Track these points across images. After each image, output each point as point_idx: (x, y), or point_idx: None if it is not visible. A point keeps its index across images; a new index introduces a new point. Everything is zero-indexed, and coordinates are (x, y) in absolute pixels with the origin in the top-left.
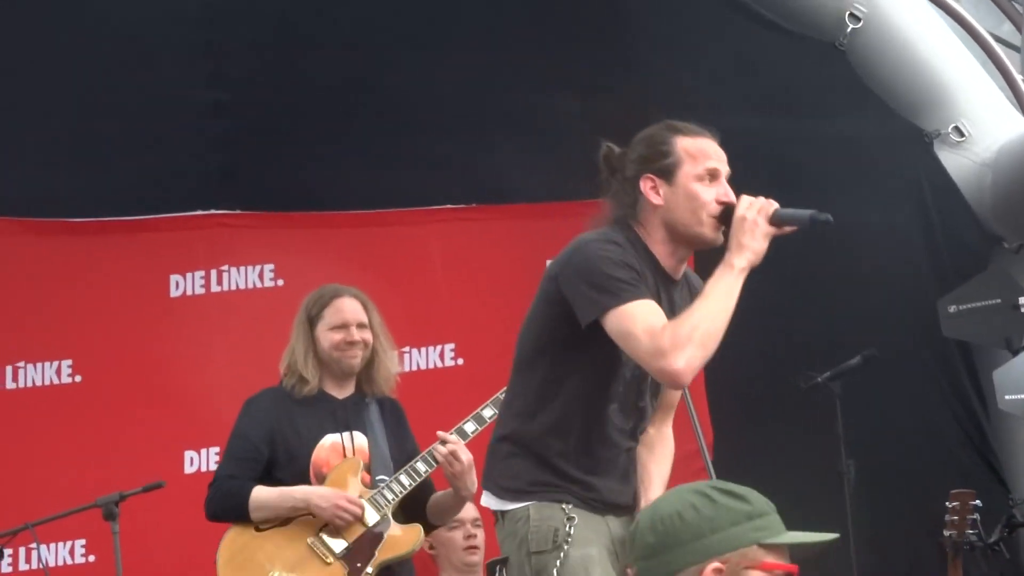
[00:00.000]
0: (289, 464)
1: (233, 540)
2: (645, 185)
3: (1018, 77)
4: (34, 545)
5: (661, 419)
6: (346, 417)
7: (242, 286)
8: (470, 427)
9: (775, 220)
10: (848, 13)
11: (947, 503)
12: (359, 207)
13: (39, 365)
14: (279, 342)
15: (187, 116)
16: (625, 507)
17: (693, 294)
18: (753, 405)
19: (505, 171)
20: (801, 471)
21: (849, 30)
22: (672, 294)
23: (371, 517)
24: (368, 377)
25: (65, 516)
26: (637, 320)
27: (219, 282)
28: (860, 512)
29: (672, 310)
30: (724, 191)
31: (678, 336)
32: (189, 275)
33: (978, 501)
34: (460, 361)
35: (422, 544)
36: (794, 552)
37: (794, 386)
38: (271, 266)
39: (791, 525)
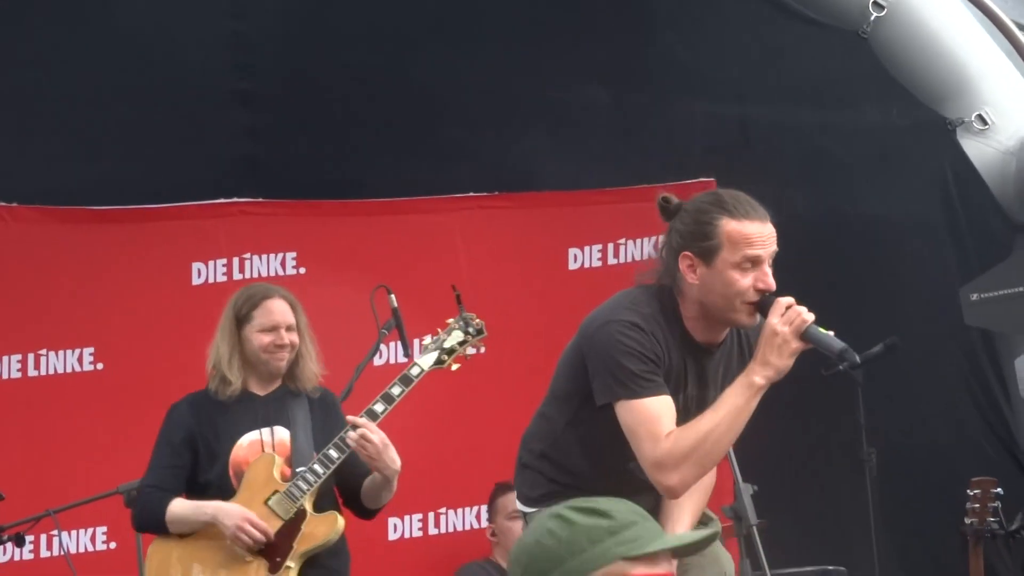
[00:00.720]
0: (211, 466)
1: (159, 546)
2: (683, 263)
3: None
4: (55, 532)
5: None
6: (268, 413)
7: (264, 274)
8: (379, 407)
9: (805, 337)
10: (872, 2)
11: (968, 491)
12: (382, 195)
13: (61, 353)
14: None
15: (211, 105)
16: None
17: (743, 351)
18: (774, 393)
19: (530, 159)
20: (823, 459)
21: (873, 19)
22: (704, 364)
23: (286, 510)
24: (292, 375)
25: (87, 503)
26: (643, 422)
27: (241, 270)
28: (881, 500)
29: (701, 379)
30: (763, 277)
31: (677, 452)
32: (211, 263)
33: (999, 489)
34: (482, 349)
35: (342, 531)
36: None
37: (817, 373)
38: (293, 254)
39: (815, 512)
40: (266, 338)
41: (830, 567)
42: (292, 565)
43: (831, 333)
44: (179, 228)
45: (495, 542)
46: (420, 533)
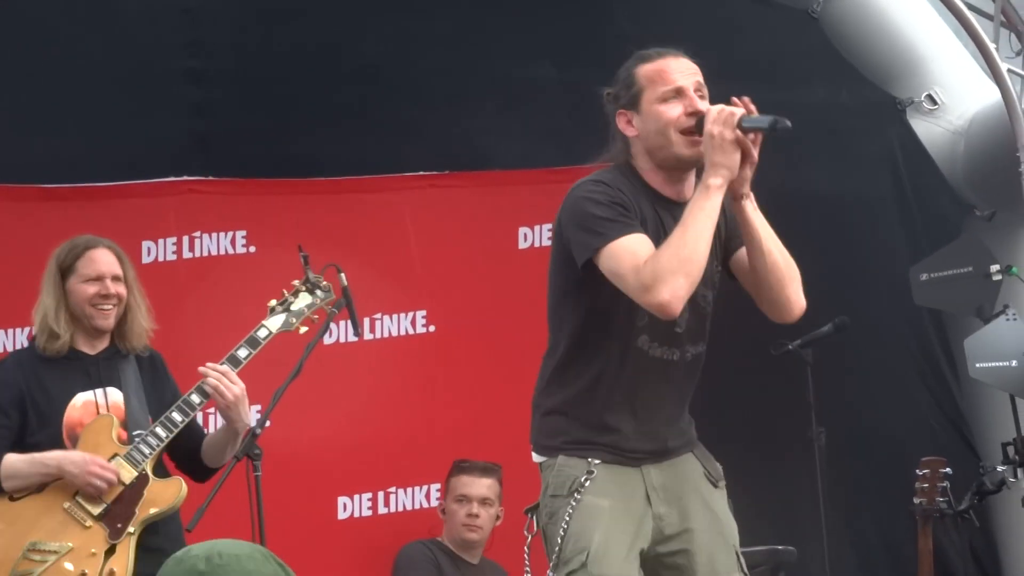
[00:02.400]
0: (41, 427)
1: None
2: (620, 121)
3: (991, 45)
4: None
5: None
6: (99, 373)
7: (214, 252)
8: (243, 352)
9: (739, 127)
10: None
11: (917, 471)
12: (332, 174)
13: (10, 332)
14: (251, 308)
15: (161, 83)
16: (668, 451)
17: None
18: (725, 372)
19: (480, 138)
20: (772, 438)
21: None
22: (677, 215)
23: (127, 475)
24: (121, 332)
25: None
26: (623, 258)
27: (191, 248)
28: (830, 479)
29: None
30: (691, 103)
31: (659, 268)
32: (161, 241)
33: (948, 469)
34: (432, 328)
35: (183, 498)
36: None
37: (766, 353)
38: (243, 233)
39: (764, 492)
40: (91, 289)
41: (779, 547)
42: (133, 531)
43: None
44: (128, 206)
45: (445, 520)
46: (370, 512)
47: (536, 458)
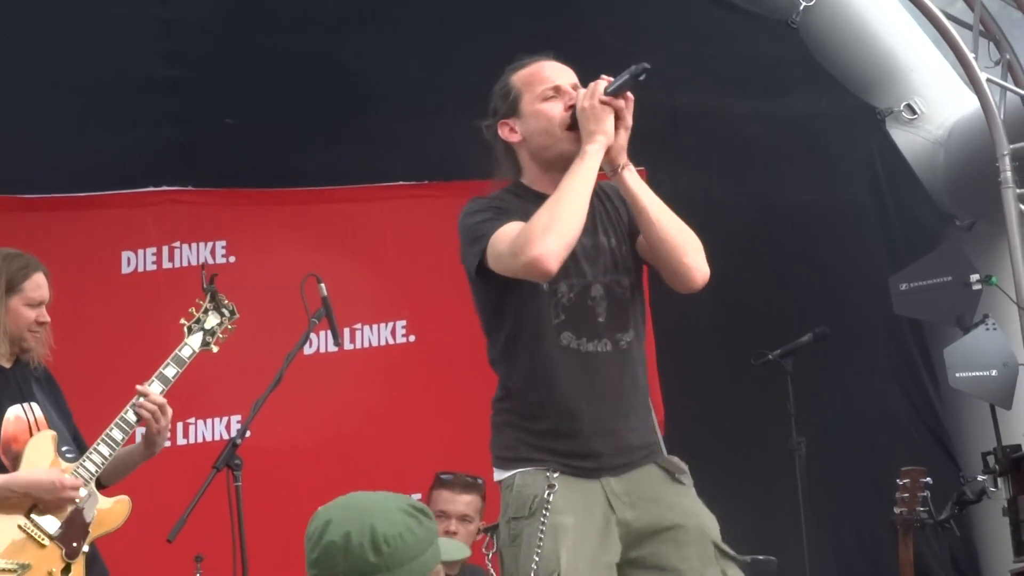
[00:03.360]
0: None
1: None
2: (503, 131)
3: (970, 55)
4: None
5: None
6: (19, 388)
7: (194, 262)
8: (171, 371)
9: (607, 93)
10: None
11: (898, 480)
12: (312, 184)
13: None
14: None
15: (141, 93)
16: (629, 450)
17: (610, 199)
18: (705, 382)
19: (459, 148)
20: (752, 448)
21: (802, 8)
22: None
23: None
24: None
25: None
26: (501, 242)
27: (171, 259)
28: (811, 489)
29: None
30: (569, 98)
31: (530, 229)
32: (141, 251)
33: (929, 479)
34: (412, 338)
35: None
36: None
37: (746, 363)
38: (223, 243)
39: (744, 501)
40: (31, 314)
41: (760, 557)
42: (87, 550)
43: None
44: (108, 216)
45: None
46: None
47: (496, 475)
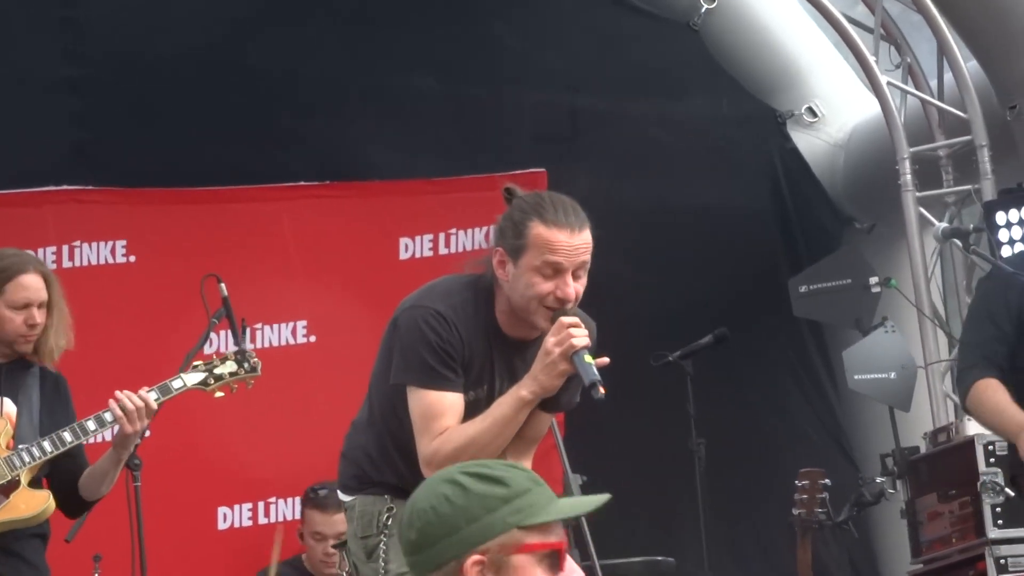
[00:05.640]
0: None
1: None
2: (495, 258)
3: (871, 58)
4: None
5: (519, 451)
6: (1, 383)
7: (94, 262)
8: (154, 396)
9: (571, 361)
10: None
11: (796, 482)
12: (213, 183)
13: None
14: (129, 318)
15: (40, 92)
16: None
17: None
18: (605, 382)
19: (361, 148)
20: (652, 450)
21: (703, 10)
22: (513, 358)
23: (0, 475)
24: (33, 347)
25: None
26: (425, 414)
27: (71, 258)
28: (710, 490)
29: (511, 372)
30: (563, 287)
31: (442, 452)
32: (40, 251)
33: (827, 480)
34: (312, 338)
35: (50, 512)
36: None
37: (646, 364)
38: (123, 242)
39: (644, 502)
40: (17, 318)
41: (659, 557)
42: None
43: (593, 363)
44: (7, 215)
45: (304, 546)
46: (250, 522)
47: (341, 496)
